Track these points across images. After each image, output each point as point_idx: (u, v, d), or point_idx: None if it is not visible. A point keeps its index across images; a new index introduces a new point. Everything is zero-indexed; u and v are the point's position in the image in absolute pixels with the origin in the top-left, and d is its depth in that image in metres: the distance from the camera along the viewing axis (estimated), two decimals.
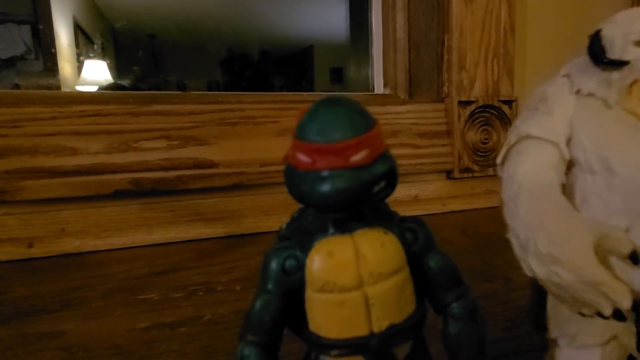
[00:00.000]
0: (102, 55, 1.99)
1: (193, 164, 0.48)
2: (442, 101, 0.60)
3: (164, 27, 2.34)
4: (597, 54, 0.22)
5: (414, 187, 0.60)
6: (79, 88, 1.74)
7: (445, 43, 0.59)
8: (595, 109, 0.22)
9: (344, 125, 0.15)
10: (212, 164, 0.49)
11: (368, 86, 0.81)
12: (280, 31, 2.80)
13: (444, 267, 0.17)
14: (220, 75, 2.60)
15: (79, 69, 1.80)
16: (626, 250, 0.18)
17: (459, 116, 0.58)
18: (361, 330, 0.16)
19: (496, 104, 0.60)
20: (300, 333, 0.17)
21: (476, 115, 0.59)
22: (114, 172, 0.45)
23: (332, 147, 0.15)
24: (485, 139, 0.60)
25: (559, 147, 0.23)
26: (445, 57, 0.59)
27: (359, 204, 0.15)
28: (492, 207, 0.63)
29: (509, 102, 0.61)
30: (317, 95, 0.67)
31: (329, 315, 0.16)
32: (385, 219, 0.16)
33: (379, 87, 0.75)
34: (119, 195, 0.45)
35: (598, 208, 0.22)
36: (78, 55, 1.77)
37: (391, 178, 0.15)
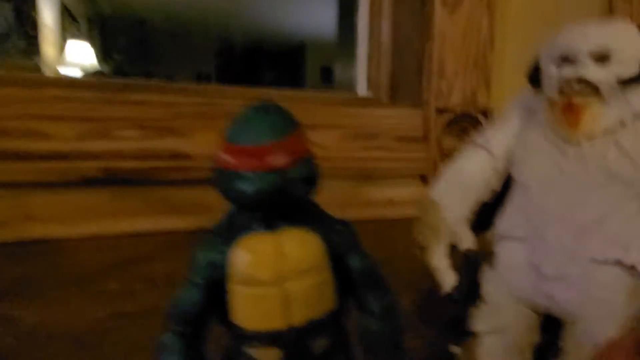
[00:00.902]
0: (89, 38, 1.95)
1: (168, 155, 0.48)
2: (421, 107, 0.61)
3: (155, 14, 2.30)
4: (529, 74, 0.24)
5: (389, 190, 0.60)
6: (62, 70, 1.70)
7: (427, 51, 0.60)
8: (533, 124, 0.24)
9: (266, 130, 0.16)
10: (188, 157, 0.49)
11: (352, 88, 0.82)
12: (273, 27, 2.79)
13: (366, 268, 0.18)
14: (209, 66, 2.58)
15: (63, 50, 1.76)
16: (465, 246, 0.22)
17: (436, 123, 0.59)
18: (278, 324, 0.16)
19: (473, 113, 0.61)
20: (224, 324, 0.18)
21: (453, 123, 0.60)
22: (84, 159, 0.44)
23: (253, 149, 0.15)
24: (461, 147, 0.61)
25: (493, 156, 0.24)
26: (426, 65, 0.60)
27: (277, 204, 0.16)
28: None
29: (485, 112, 0.62)
30: (296, 94, 0.67)
31: (249, 308, 0.17)
32: (312, 220, 0.17)
33: (362, 90, 0.75)
34: (88, 182, 0.45)
35: (509, 215, 0.24)
36: (63, 37, 1.73)
37: (310, 181, 0.16)
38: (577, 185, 0.21)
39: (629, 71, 0.21)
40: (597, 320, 0.21)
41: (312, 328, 0.17)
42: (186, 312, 0.17)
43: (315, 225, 0.17)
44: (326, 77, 2.79)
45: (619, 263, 0.20)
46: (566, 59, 0.22)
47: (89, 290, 0.32)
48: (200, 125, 0.49)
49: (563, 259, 0.21)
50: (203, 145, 0.49)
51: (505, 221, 0.24)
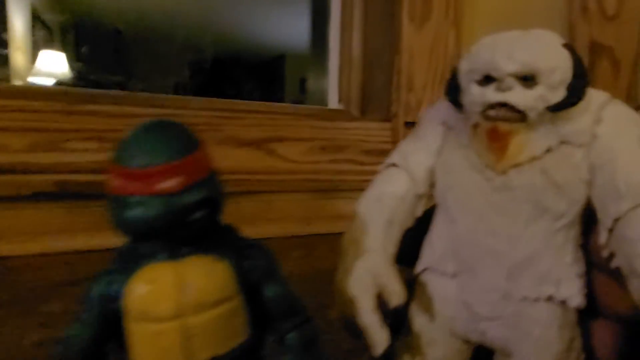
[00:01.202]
0: (62, 47, 1.91)
1: None
2: (390, 121, 0.61)
3: (131, 24, 2.28)
4: (447, 91, 0.23)
5: (358, 202, 0.60)
6: (32, 79, 1.66)
7: (396, 64, 0.60)
8: (455, 144, 0.23)
9: (155, 151, 0.14)
10: None
11: (324, 100, 0.82)
12: (252, 38, 2.79)
13: (281, 296, 0.17)
14: (187, 77, 2.56)
15: (35, 59, 1.72)
16: (394, 303, 0.19)
17: (405, 136, 0.59)
18: None
19: None
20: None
21: None
22: (35, 172, 0.42)
23: (140, 172, 0.14)
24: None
25: (414, 181, 0.23)
26: (395, 78, 0.60)
27: (175, 230, 0.15)
28: None
29: None
30: (266, 106, 0.66)
31: (147, 346, 0.15)
32: (221, 245, 0.16)
33: (333, 102, 0.75)
34: (40, 197, 0.43)
35: (435, 247, 0.23)
36: (34, 45, 1.69)
37: (210, 205, 0.15)
38: (506, 220, 0.20)
39: (556, 96, 0.20)
40: (531, 355, 0.20)
41: None
42: (74, 352, 0.16)
43: (225, 251, 0.16)
44: (304, 88, 2.80)
45: (550, 299, 0.20)
46: (489, 78, 0.20)
47: (29, 312, 0.30)
48: None
49: (495, 298, 0.21)
50: None
51: (433, 254, 0.23)
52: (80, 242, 0.45)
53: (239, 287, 0.16)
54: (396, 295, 0.20)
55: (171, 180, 0.15)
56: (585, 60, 0.52)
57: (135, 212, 0.14)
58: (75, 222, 0.44)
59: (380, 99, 0.65)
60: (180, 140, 0.15)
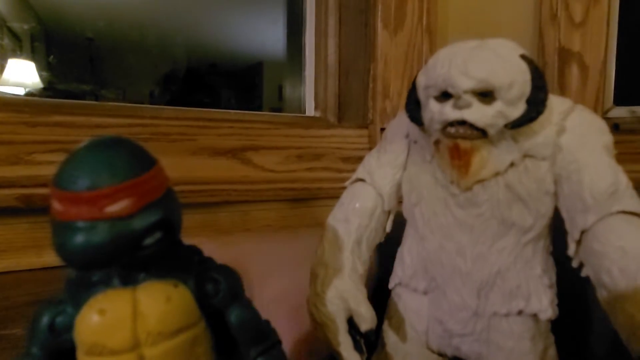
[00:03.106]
0: (32, 56, 1.86)
1: None
2: (367, 127, 0.61)
3: (104, 33, 2.23)
4: (407, 107, 0.22)
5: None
6: (3, 90, 1.60)
7: (371, 72, 0.60)
8: (419, 158, 0.22)
9: (101, 171, 0.13)
10: None
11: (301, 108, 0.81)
12: (229, 46, 2.78)
13: (246, 321, 0.15)
14: (162, 86, 2.52)
15: (3, 69, 1.66)
16: (364, 328, 0.19)
17: None
18: None
19: None
20: None
21: None
22: None
23: (84, 195, 0.13)
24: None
25: (381, 197, 0.23)
26: (371, 85, 0.61)
27: (121, 258, 0.13)
28: None
29: None
30: (240, 114, 0.65)
31: None
32: (183, 268, 0.15)
33: (310, 110, 0.75)
34: (3, 212, 0.41)
35: (406, 264, 0.23)
36: (2, 55, 1.63)
37: (166, 227, 0.14)
38: (472, 238, 0.20)
39: (516, 111, 0.19)
40: None
41: None
42: None
43: (185, 274, 0.15)
44: (283, 96, 2.79)
45: (520, 313, 0.20)
46: (447, 94, 0.20)
47: None
48: None
49: (466, 316, 0.20)
50: None
51: (404, 271, 0.22)
52: (47, 258, 0.43)
53: (200, 313, 0.15)
54: (366, 320, 0.21)
55: (121, 203, 0.13)
56: (555, 66, 0.53)
57: (79, 239, 0.13)
58: (42, 238, 0.43)
59: (356, 106, 0.65)
60: (130, 159, 0.14)
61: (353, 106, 0.66)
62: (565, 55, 0.52)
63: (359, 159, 0.63)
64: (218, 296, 0.15)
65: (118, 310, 0.14)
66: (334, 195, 0.62)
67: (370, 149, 0.61)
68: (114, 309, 0.14)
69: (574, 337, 0.22)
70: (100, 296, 0.14)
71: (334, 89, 0.70)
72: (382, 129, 0.59)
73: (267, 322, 0.16)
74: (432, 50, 0.61)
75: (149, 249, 0.13)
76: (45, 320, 0.14)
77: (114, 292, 0.14)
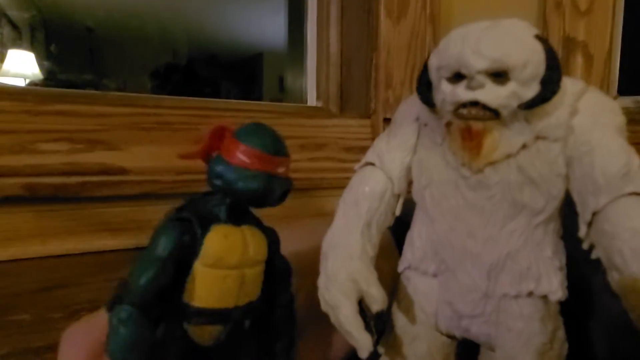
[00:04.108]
0: (32, 47, 1.85)
1: (100, 169, 0.45)
2: (369, 117, 0.61)
3: (103, 23, 2.22)
4: (419, 89, 0.22)
5: (337, 201, 0.60)
6: (1, 80, 1.60)
7: (374, 61, 0.60)
8: (430, 141, 0.22)
9: (283, 146, 0.21)
10: (121, 171, 0.46)
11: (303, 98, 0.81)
12: (229, 36, 2.76)
13: (285, 268, 0.22)
14: (163, 76, 2.51)
15: (3, 59, 1.65)
16: (375, 309, 0.20)
17: None
18: (230, 303, 0.20)
19: None
20: (164, 301, 0.19)
21: None
22: (3, 175, 0.40)
23: (277, 159, 0.20)
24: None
25: (391, 180, 0.23)
26: (373, 75, 0.60)
27: (260, 204, 0.20)
28: None
29: None
30: (242, 104, 0.65)
31: (211, 287, 0.19)
32: (258, 224, 0.21)
33: (311, 100, 0.74)
34: (9, 201, 0.41)
35: (416, 247, 0.23)
36: (2, 45, 1.63)
37: (285, 195, 0.21)
38: (483, 220, 0.20)
39: (530, 92, 0.19)
40: (514, 348, 0.20)
41: (250, 308, 0.20)
42: (150, 287, 0.18)
43: (262, 228, 0.21)
44: (283, 87, 2.78)
45: (531, 294, 0.20)
46: (459, 75, 0.19)
47: None
48: (135, 137, 0.46)
49: (476, 297, 0.20)
50: (138, 158, 0.46)
51: (414, 254, 0.22)
52: (53, 246, 0.43)
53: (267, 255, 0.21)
54: (377, 301, 0.21)
55: (285, 168, 0.20)
56: (559, 55, 0.52)
57: (258, 184, 0.19)
58: (47, 226, 0.43)
59: (358, 95, 0.65)
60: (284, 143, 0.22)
61: (355, 96, 0.66)
62: (569, 44, 0.52)
63: (362, 149, 0.63)
64: (272, 247, 0.22)
65: (236, 238, 0.20)
66: (337, 186, 0.62)
67: (372, 139, 0.61)
68: (233, 236, 0.20)
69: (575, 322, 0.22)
70: (222, 226, 0.20)
71: (336, 79, 0.70)
72: (385, 119, 0.59)
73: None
74: (436, 39, 0.61)
75: (276, 202, 0.21)
76: (176, 234, 0.19)
77: (230, 226, 0.20)
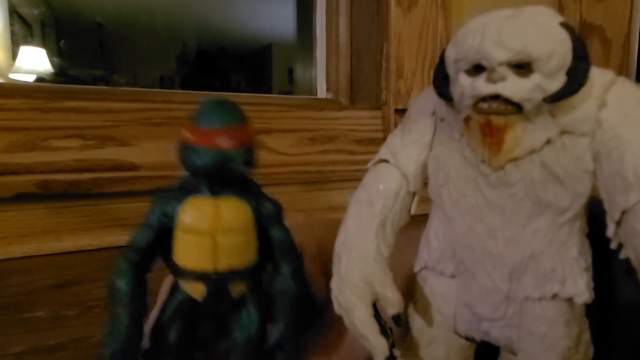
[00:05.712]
0: (42, 43, 1.86)
1: (111, 165, 0.45)
2: (380, 108, 0.60)
3: (113, 18, 2.22)
4: (435, 82, 0.20)
5: (350, 193, 0.59)
6: (13, 76, 1.62)
7: (384, 51, 0.59)
8: (447, 137, 0.21)
9: (227, 116, 0.21)
10: (132, 167, 0.46)
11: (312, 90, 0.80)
12: (238, 28, 2.75)
13: (282, 238, 0.23)
14: (174, 70, 2.51)
15: (15, 56, 1.67)
16: (391, 312, 0.19)
17: (396, 124, 0.58)
18: (207, 266, 0.21)
19: None
20: (167, 261, 0.23)
21: None
22: (16, 173, 0.41)
23: (208, 132, 0.20)
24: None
25: (406, 178, 0.22)
26: (384, 65, 0.59)
27: (221, 176, 0.21)
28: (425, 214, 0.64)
29: None
30: (252, 97, 0.65)
31: (187, 251, 0.21)
32: (247, 194, 0.22)
33: (321, 91, 0.74)
34: (22, 198, 0.41)
35: (433, 247, 0.22)
36: (14, 42, 1.64)
37: (249, 164, 0.21)
38: (504, 220, 0.19)
39: (555, 84, 0.18)
40: (537, 352, 0.19)
41: (232, 274, 0.22)
42: (138, 246, 0.22)
43: (249, 198, 0.22)
44: (292, 78, 2.77)
45: (555, 297, 0.19)
46: (479, 67, 0.18)
47: (13, 319, 0.29)
48: (146, 133, 0.46)
49: (497, 300, 0.20)
50: (148, 153, 0.46)
51: (431, 254, 0.21)
52: (67, 243, 0.43)
53: (254, 224, 0.22)
54: (393, 304, 0.20)
55: (232, 140, 0.20)
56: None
57: (200, 159, 0.20)
58: (60, 223, 0.43)
59: (369, 86, 0.64)
60: (236, 113, 0.21)
61: (366, 87, 0.65)
62: (586, 29, 0.50)
63: (373, 141, 0.62)
64: (266, 217, 0.22)
65: (207, 208, 0.21)
66: (348, 178, 0.61)
67: (384, 130, 0.60)
68: (204, 207, 0.21)
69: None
70: (197, 198, 0.21)
71: (346, 70, 0.69)
72: (396, 110, 0.58)
73: (297, 246, 0.23)
74: (447, 28, 0.59)
75: (237, 175, 0.21)
76: (160, 206, 0.22)
77: (204, 197, 0.21)
